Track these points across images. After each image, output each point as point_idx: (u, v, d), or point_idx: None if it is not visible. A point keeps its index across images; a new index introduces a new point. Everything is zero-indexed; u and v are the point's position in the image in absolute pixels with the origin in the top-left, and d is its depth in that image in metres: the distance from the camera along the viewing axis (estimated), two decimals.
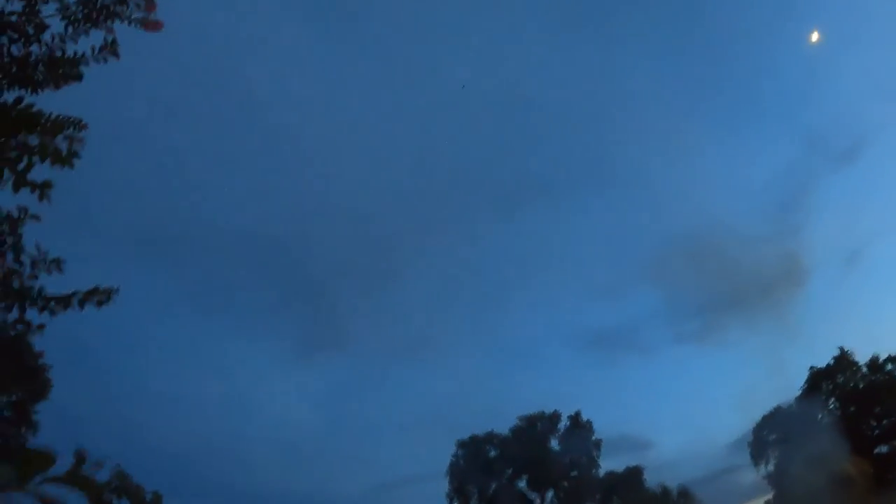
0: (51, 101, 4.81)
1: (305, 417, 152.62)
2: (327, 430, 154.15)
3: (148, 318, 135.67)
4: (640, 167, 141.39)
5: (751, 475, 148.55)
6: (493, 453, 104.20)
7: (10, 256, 4.92)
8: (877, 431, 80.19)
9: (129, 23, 4.84)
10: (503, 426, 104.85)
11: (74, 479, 2.25)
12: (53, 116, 4.63)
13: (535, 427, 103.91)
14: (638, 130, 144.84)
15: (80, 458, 2.42)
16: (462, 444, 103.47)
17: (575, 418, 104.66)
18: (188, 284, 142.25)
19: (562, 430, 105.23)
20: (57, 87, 4.89)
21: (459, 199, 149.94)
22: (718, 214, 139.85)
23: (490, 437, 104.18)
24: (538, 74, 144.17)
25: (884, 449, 78.59)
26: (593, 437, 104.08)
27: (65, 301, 4.94)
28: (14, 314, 4.97)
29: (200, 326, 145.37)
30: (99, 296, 5.04)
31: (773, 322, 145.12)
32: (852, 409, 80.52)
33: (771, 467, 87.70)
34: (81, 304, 4.99)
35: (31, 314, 4.98)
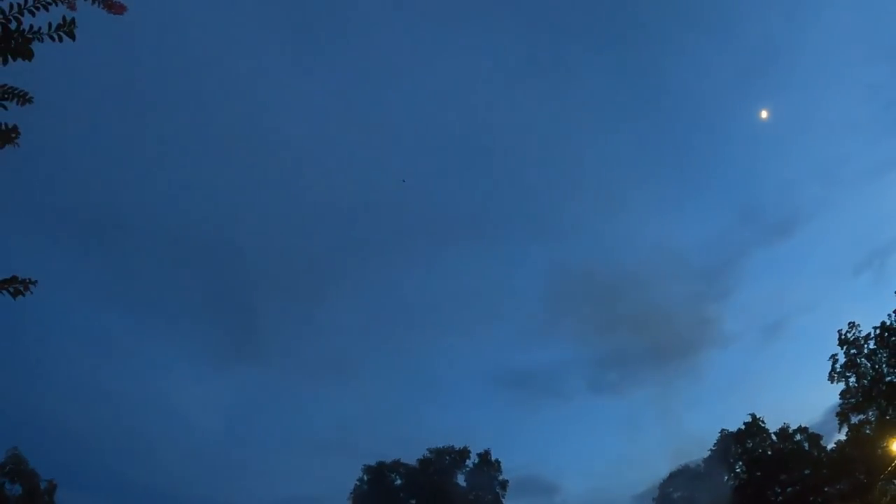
0: None
1: (214, 424, 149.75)
2: (234, 440, 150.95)
3: (65, 307, 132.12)
4: (579, 220, 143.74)
5: None
6: (398, 482, 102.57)
7: None
8: (780, 498, 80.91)
9: (93, 2, 4.62)
10: (411, 456, 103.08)
11: None
12: None
13: (444, 460, 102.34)
14: (582, 184, 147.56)
15: None
16: (368, 470, 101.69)
17: (484, 456, 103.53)
18: (111, 277, 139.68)
19: (470, 467, 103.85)
20: (5, 62, 4.60)
21: (396, 226, 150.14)
22: (649, 272, 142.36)
23: (397, 466, 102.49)
24: (493, 121, 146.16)
25: None
26: (500, 477, 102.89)
27: None
28: None
29: (119, 321, 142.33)
30: (16, 285, 4.82)
31: (689, 381, 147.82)
32: (758, 473, 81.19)
33: None
34: None
35: None
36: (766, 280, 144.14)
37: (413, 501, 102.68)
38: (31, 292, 4.90)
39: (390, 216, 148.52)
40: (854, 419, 57.77)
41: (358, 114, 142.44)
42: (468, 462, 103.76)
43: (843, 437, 63.18)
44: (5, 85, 4.63)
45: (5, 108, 4.68)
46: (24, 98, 4.67)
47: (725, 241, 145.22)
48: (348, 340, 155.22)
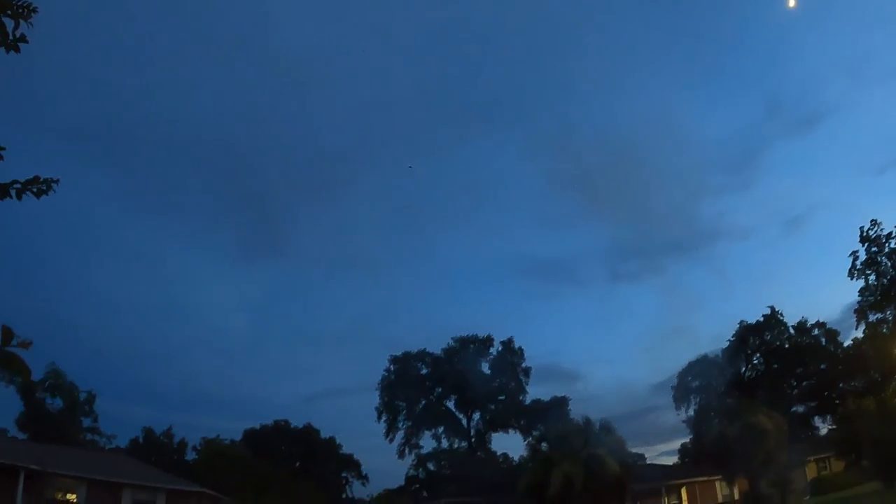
0: None
1: (239, 323, 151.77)
2: (262, 338, 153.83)
3: (86, 217, 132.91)
4: (602, 106, 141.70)
5: (671, 417, 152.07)
6: (424, 371, 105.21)
7: None
8: (796, 391, 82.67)
9: None
10: (436, 346, 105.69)
11: (4, 358, 2.13)
12: None
13: (468, 349, 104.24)
14: (603, 70, 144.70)
15: (7, 334, 2.20)
16: (395, 360, 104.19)
17: (507, 344, 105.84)
18: (129, 184, 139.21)
19: (493, 355, 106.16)
20: None
21: (415, 118, 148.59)
22: (670, 162, 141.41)
23: (422, 355, 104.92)
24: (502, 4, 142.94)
25: (800, 408, 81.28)
26: (523, 365, 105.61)
27: (2, 189, 4.69)
28: None
29: (140, 227, 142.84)
30: (39, 185, 4.81)
31: (708, 272, 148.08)
32: (775, 366, 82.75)
33: (691, 412, 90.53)
34: (20, 193, 4.76)
35: None
36: (787, 174, 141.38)
37: (439, 389, 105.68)
38: (55, 191, 4.89)
39: (405, 109, 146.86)
40: (872, 317, 58.06)
41: (371, 9, 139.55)
42: (491, 350, 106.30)
43: (859, 334, 64.07)
44: None
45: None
46: (27, 9, 4.66)
47: (748, 133, 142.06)
48: (369, 233, 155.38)
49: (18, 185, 4.67)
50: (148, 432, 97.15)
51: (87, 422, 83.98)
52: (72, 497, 46.43)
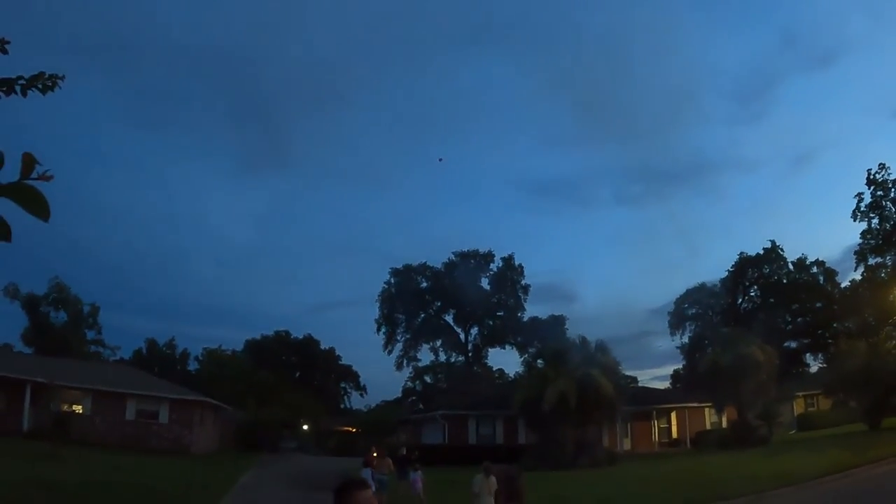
0: None
1: (244, 234, 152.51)
2: (264, 249, 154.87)
3: (88, 130, 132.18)
4: (610, 25, 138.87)
5: (665, 343, 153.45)
6: (424, 284, 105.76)
7: None
8: (790, 327, 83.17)
9: None
10: (437, 259, 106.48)
11: (21, 191, 1.81)
12: None
13: (469, 264, 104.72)
14: None
15: (28, 162, 1.84)
16: (395, 273, 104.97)
17: (508, 261, 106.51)
18: (131, 97, 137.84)
19: (494, 271, 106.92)
20: None
21: (418, 31, 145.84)
22: (682, 87, 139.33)
23: (423, 269, 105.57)
24: None
25: (793, 344, 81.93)
26: (523, 282, 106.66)
27: (7, 85, 4.51)
28: None
29: (142, 140, 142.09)
30: (44, 81, 4.59)
31: (712, 201, 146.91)
32: (772, 300, 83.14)
33: (686, 339, 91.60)
34: (24, 90, 4.58)
35: None
36: (799, 110, 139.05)
37: (438, 303, 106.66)
38: (60, 87, 4.65)
39: (408, 22, 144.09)
40: (871, 261, 57.88)
41: None
42: (492, 266, 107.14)
43: (858, 277, 63.88)
44: None
45: None
46: None
47: (761, 64, 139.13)
48: (374, 146, 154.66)
49: (23, 81, 4.47)
50: (151, 343, 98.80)
51: (91, 334, 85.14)
52: (77, 408, 47.62)
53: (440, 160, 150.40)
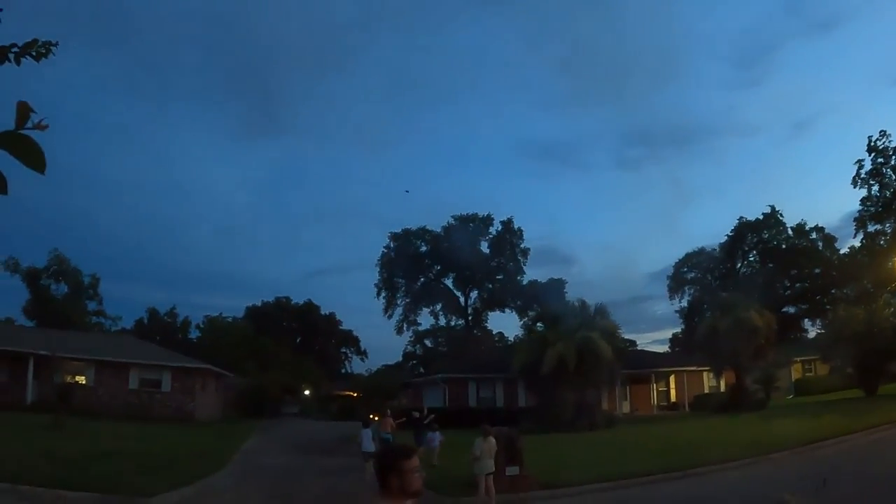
0: None
1: (241, 201, 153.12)
2: (264, 215, 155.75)
3: (86, 101, 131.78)
4: None
5: (664, 307, 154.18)
6: (423, 248, 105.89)
7: None
8: (788, 292, 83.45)
9: None
10: (436, 223, 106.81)
11: (16, 141, 1.75)
12: None
13: (468, 227, 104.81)
14: None
15: (23, 111, 1.80)
16: (395, 237, 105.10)
17: (507, 224, 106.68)
18: (126, 67, 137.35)
19: (493, 234, 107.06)
20: None
21: None
22: (681, 51, 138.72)
23: (422, 233, 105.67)
24: None
25: (791, 309, 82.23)
26: (522, 245, 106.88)
27: (1, 53, 4.31)
28: None
29: (139, 109, 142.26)
30: (38, 48, 4.39)
31: (711, 166, 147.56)
32: (770, 265, 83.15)
33: (684, 303, 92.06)
34: (18, 58, 4.37)
35: None
36: (799, 75, 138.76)
37: (438, 267, 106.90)
38: (54, 54, 4.41)
39: None
40: (871, 228, 58.08)
41: None
42: (491, 230, 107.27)
43: (857, 243, 64.28)
44: None
45: None
46: None
47: (762, 28, 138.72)
48: (371, 111, 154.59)
49: (17, 49, 4.26)
50: (152, 313, 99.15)
51: (92, 305, 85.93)
52: (81, 379, 48.01)
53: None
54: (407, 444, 7.19)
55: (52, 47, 4.34)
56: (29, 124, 1.82)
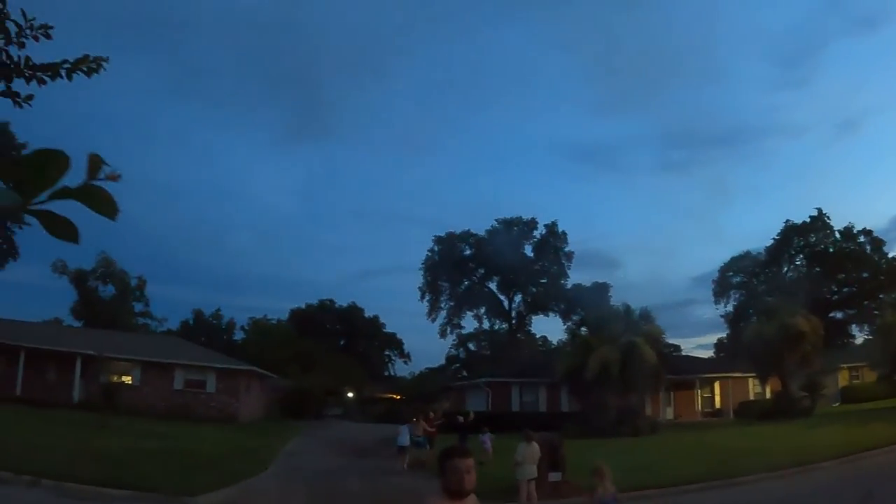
0: None
1: (287, 205, 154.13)
2: (308, 219, 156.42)
3: (130, 105, 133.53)
4: None
5: (709, 311, 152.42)
6: (467, 252, 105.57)
7: None
8: (836, 297, 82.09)
9: None
10: (480, 227, 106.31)
11: (89, 193, 1.70)
12: None
13: (512, 231, 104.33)
14: None
15: (94, 163, 1.75)
16: (438, 240, 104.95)
17: (551, 228, 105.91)
18: (171, 72, 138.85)
19: (536, 238, 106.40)
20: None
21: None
22: (723, 50, 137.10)
23: (466, 236, 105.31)
24: None
25: (838, 315, 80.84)
26: (566, 249, 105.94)
27: (53, 69, 4.62)
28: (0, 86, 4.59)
29: (185, 114, 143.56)
30: (88, 64, 4.72)
31: (756, 168, 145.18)
32: (817, 269, 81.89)
33: (730, 307, 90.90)
34: (70, 73, 4.68)
35: (18, 85, 4.62)
36: (845, 74, 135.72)
37: (482, 270, 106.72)
38: (105, 69, 4.80)
39: None
40: None
41: None
42: (535, 233, 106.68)
43: None
44: None
45: None
46: None
47: (806, 26, 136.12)
48: (414, 113, 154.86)
49: (68, 65, 4.62)
50: (197, 314, 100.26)
51: (138, 307, 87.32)
52: (127, 379, 48.72)
53: None
54: (463, 445, 7.38)
55: (102, 63, 4.81)
56: (101, 175, 1.77)
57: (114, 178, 1.89)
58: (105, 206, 1.82)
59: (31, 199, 1.43)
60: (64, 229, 1.67)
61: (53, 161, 1.41)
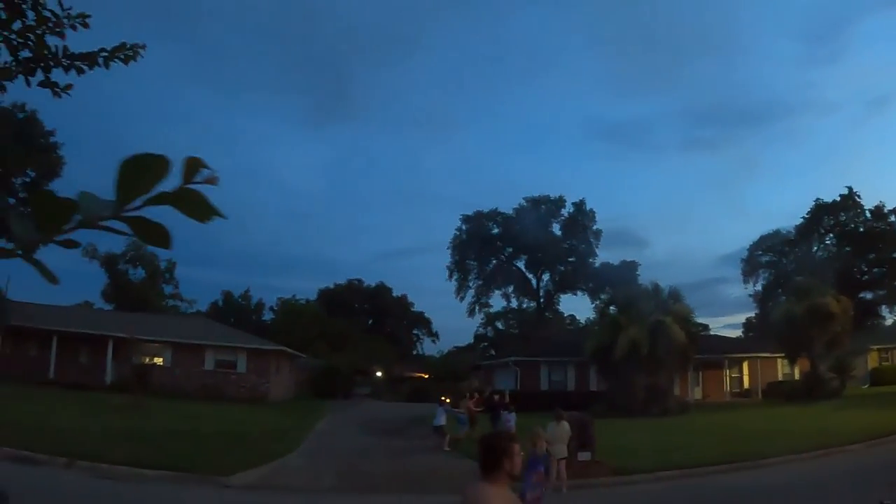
0: None
1: (315, 186, 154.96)
2: (336, 199, 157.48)
3: (159, 92, 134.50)
4: None
5: (738, 290, 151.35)
6: (495, 230, 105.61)
7: (30, 14, 4.48)
8: (866, 277, 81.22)
9: None
10: (507, 205, 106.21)
11: (184, 197, 1.58)
12: None
13: (539, 210, 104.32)
14: None
15: (192, 166, 1.60)
16: (466, 219, 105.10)
17: (579, 206, 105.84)
18: (198, 57, 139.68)
19: (564, 216, 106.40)
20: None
21: None
22: (752, 25, 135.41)
23: (494, 215, 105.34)
24: None
25: (868, 295, 79.96)
26: (594, 227, 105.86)
27: (90, 58, 4.62)
28: (39, 76, 4.56)
29: (212, 98, 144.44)
30: (125, 52, 4.73)
31: (785, 146, 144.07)
32: (848, 249, 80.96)
33: (759, 287, 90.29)
34: (107, 61, 4.70)
35: (56, 74, 4.60)
36: (878, 50, 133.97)
37: (510, 249, 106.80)
38: (142, 56, 4.80)
39: None
40: None
41: None
42: (563, 211, 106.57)
43: None
44: None
45: None
46: None
47: (838, 1, 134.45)
48: (441, 92, 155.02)
49: (105, 54, 4.66)
50: (227, 295, 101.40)
51: (168, 289, 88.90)
52: (158, 360, 49.43)
53: None
54: (510, 431, 7.69)
55: (139, 50, 4.80)
56: (199, 178, 1.75)
57: (213, 181, 1.92)
58: (199, 209, 1.80)
59: (124, 206, 1.34)
60: (157, 235, 1.66)
61: (153, 166, 1.35)
